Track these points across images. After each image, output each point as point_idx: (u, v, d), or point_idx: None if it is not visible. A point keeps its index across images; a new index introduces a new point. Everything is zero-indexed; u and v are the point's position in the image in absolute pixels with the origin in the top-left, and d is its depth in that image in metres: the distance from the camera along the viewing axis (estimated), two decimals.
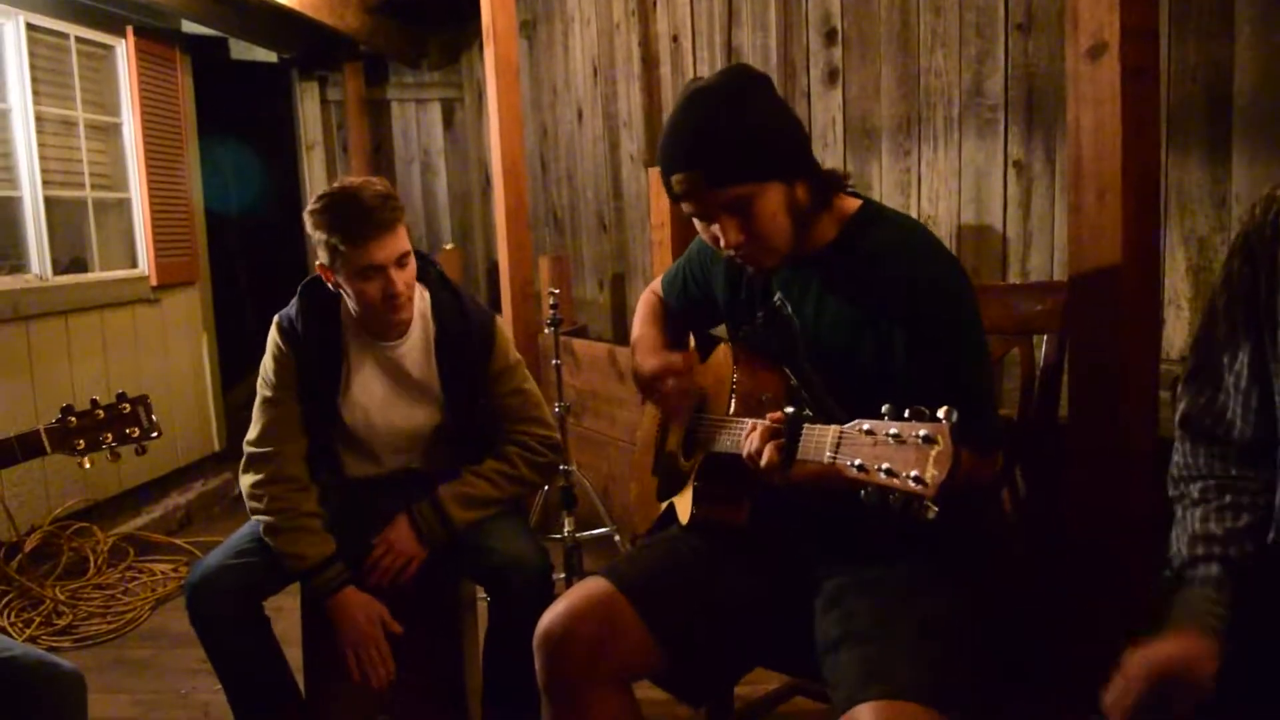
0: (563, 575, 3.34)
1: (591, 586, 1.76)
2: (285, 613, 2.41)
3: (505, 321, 4.18)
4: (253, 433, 2.28)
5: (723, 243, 1.68)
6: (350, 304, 2.22)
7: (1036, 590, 1.97)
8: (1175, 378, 1.93)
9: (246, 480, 2.25)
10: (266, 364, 2.29)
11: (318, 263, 2.20)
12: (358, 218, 2.09)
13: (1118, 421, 1.76)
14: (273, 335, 2.29)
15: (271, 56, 6.58)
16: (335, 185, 2.16)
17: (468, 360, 2.30)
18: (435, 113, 6.83)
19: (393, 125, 6.79)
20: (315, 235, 2.13)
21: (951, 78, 3.11)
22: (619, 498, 3.95)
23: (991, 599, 1.72)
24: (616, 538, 3.62)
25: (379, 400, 2.30)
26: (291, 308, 2.30)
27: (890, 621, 1.56)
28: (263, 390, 2.29)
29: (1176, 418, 1.50)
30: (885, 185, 3.38)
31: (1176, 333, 2.61)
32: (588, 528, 3.63)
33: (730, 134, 1.60)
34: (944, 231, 3.17)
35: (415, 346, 2.31)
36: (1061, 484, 1.93)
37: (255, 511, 2.23)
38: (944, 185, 3.18)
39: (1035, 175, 2.91)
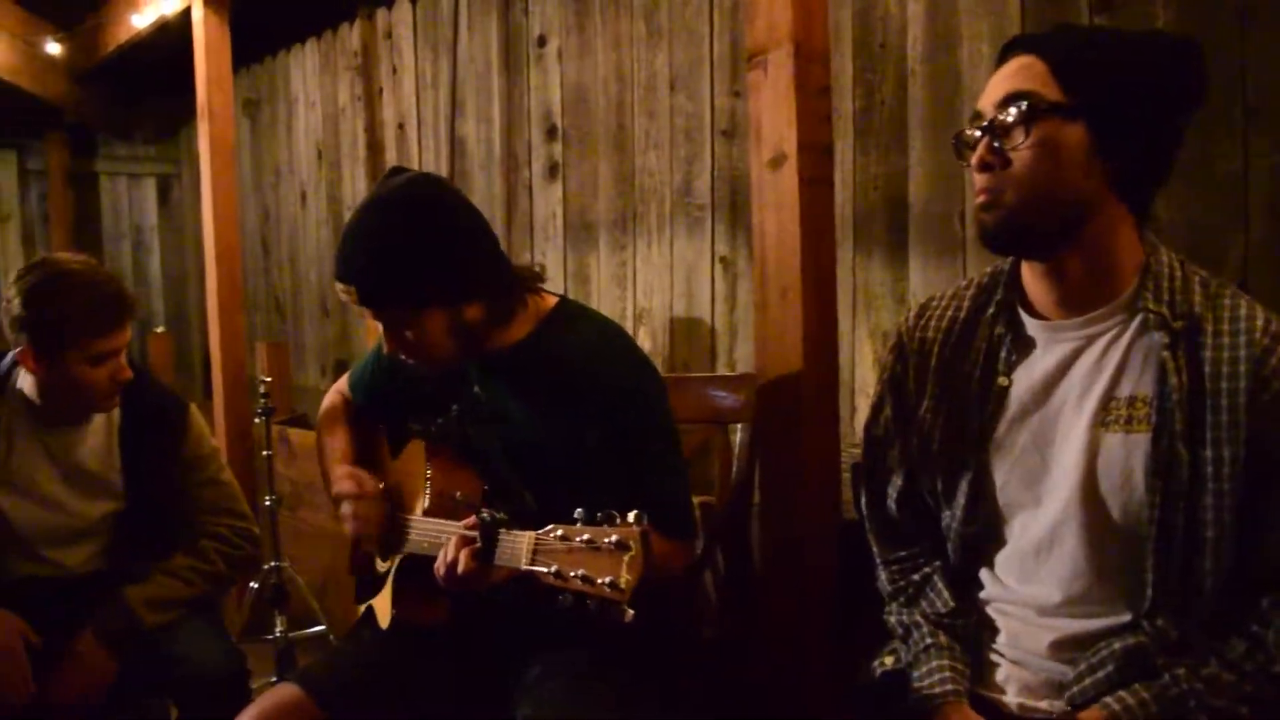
0: (274, 679, 3.16)
1: (282, 694, 1.68)
2: None
3: (217, 410, 3.98)
4: None
5: (384, 349, 1.71)
6: (35, 389, 2.05)
7: (727, 669, 2.04)
8: (855, 463, 2.07)
9: None
10: None
11: (19, 347, 1.99)
12: (106, 305, 1.97)
13: (802, 505, 1.86)
14: None
15: None
16: (59, 264, 1.99)
17: (156, 449, 2.16)
18: (149, 188, 6.50)
19: (102, 200, 6.39)
20: (36, 314, 1.94)
21: (664, 177, 3.27)
22: (335, 594, 3.80)
23: (675, 681, 1.77)
24: (332, 637, 3.47)
25: (47, 494, 2.11)
26: None
27: (582, 707, 1.57)
28: None
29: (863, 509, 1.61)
30: (603, 278, 3.49)
31: (865, 420, 2.81)
32: (301, 626, 3.46)
33: (389, 262, 1.60)
34: (658, 323, 3.30)
35: (95, 434, 2.14)
36: (756, 566, 2.02)
37: None
38: (658, 279, 3.32)
39: (740, 271, 3.08)
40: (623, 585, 1.25)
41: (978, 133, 1.30)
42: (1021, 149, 1.25)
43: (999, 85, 1.29)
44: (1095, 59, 1.25)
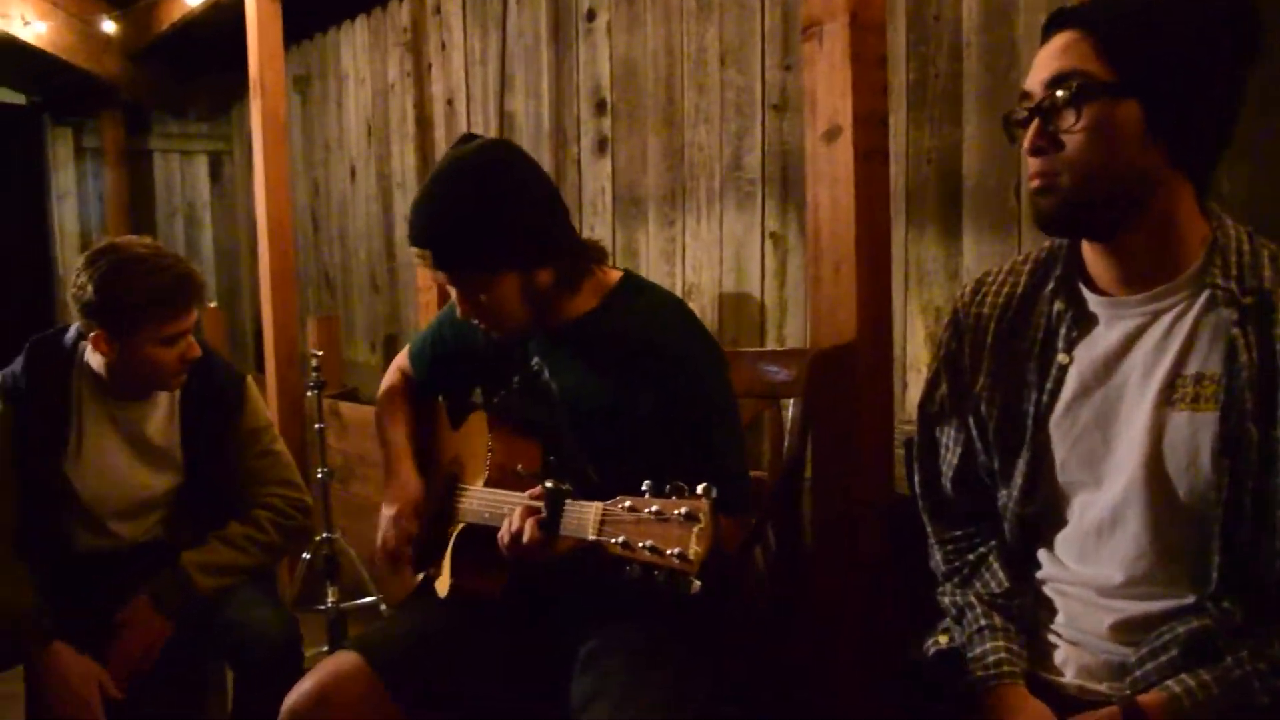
0: (325, 648, 3.21)
1: (341, 661, 1.70)
2: (14, 700, 2.21)
3: (269, 384, 4.02)
4: None
5: (458, 313, 1.73)
6: (103, 365, 2.10)
7: (773, 646, 2.04)
8: (909, 439, 2.06)
9: None
10: None
11: (92, 331, 2.04)
12: (176, 287, 2.02)
13: (854, 481, 1.85)
14: None
15: (17, 98, 6.18)
16: (127, 249, 2.03)
17: (215, 422, 2.20)
18: (202, 165, 6.57)
19: (155, 177, 6.48)
20: (108, 301, 1.99)
21: (713, 151, 3.25)
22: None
23: (725, 654, 1.77)
24: (383, 607, 3.52)
25: (115, 466, 2.16)
26: (17, 364, 2.14)
27: (641, 683, 1.58)
28: None
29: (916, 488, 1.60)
30: (652, 253, 3.48)
31: (917, 396, 2.78)
32: (353, 597, 3.51)
33: (464, 225, 1.62)
34: (706, 299, 3.29)
35: (158, 408, 2.19)
36: (809, 541, 2.01)
37: None
38: (706, 254, 3.30)
39: (790, 246, 3.06)
40: (691, 556, 1.25)
41: (1027, 114, 1.27)
42: (1074, 131, 1.22)
43: (1045, 64, 1.26)
44: (1142, 29, 1.21)
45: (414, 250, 1.67)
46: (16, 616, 1.99)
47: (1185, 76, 1.20)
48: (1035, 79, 1.27)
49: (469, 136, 1.74)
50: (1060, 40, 1.25)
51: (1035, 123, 1.26)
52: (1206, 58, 1.20)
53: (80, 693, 1.97)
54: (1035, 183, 1.28)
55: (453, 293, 1.73)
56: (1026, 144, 1.27)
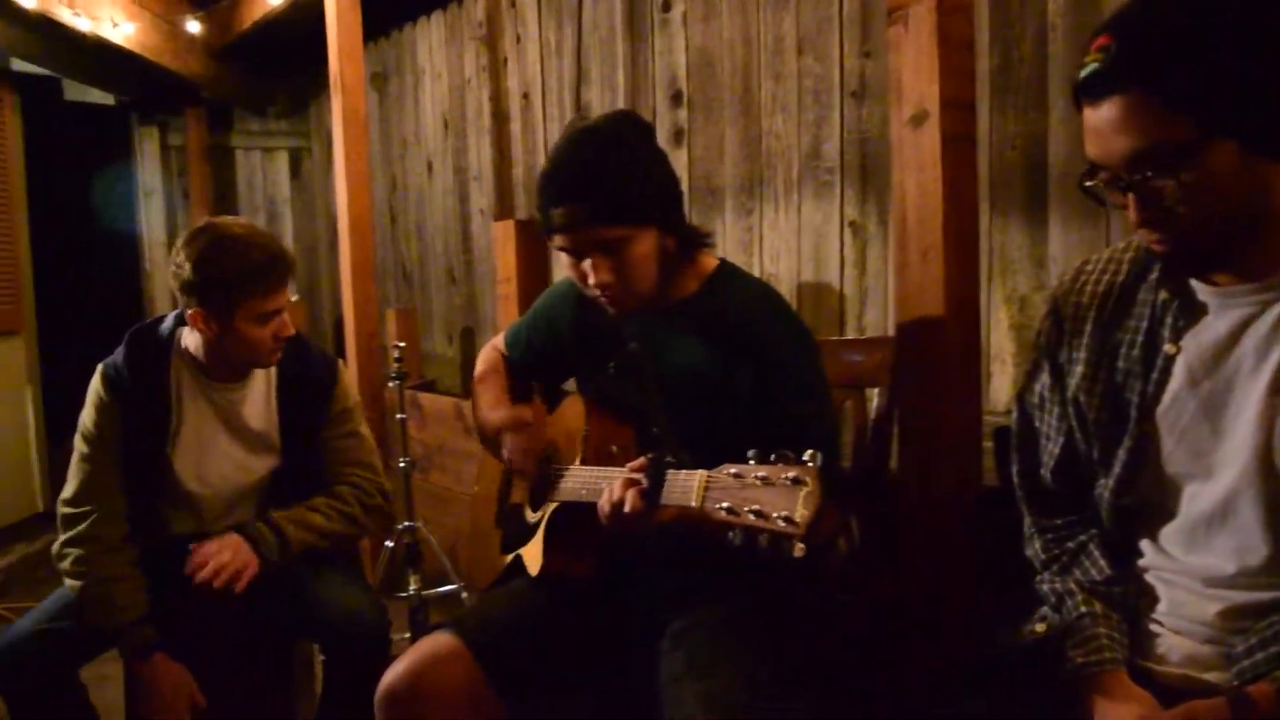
0: (407, 635, 3.26)
1: (438, 643, 1.73)
2: (111, 681, 2.28)
3: (350, 374, 4.10)
4: (67, 491, 2.16)
5: (591, 280, 1.72)
6: (200, 347, 2.16)
7: (859, 634, 2.02)
8: (999, 428, 2.03)
9: (59, 541, 2.14)
10: (86, 416, 2.17)
11: (190, 310, 2.09)
12: (270, 265, 2.07)
13: (941, 472, 1.83)
14: (95, 385, 2.18)
15: (108, 98, 6.35)
16: (224, 229, 2.09)
17: (310, 403, 2.25)
18: (282, 162, 6.69)
19: (237, 173, 6.62)
20: (206, 278, 2.04)
21: (791, 141, 3.23)
22: (466, 553, 3.90)
23: (792, 637, 1.77)
24: (464, 595, 3.56)
25: (212, 451, 2.21)
26: (118, 355, 2.19)
27: (730, 658, 1.59)
28: (81, 446, 2.17)
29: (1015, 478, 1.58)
30: (729, 243, 3.47)
31: (1001, 386, 2.74)
32: (434, 585, 3.56)
33: (618, 173, 1.66)
34: (785, 289, 3.27)
35: (255, 391, 2.24)
36: (893, 532, 1.99)
37: (65, 574, 2.12)
38: (784, 244, 3.29)
39: (870, 235, 3.03)
40: (798, 519, 1.23)
41: (1106, 185, 1.22)
42: (1179, 201, 1.16)
43: (1113, 138, 1.17)
44: (1205, 67, 1.12)
45: (556, 213, 1.68)
46: (126, 624, 2.07)
47: (1262, 87, 1.13)
48: (1108, 154, 1.19)
49: (584, 116, 1.79)
50: (1119, 107, 1.16)
51: (1133, 200, 1.20)
52: (1272, 53, 1.13)
53: (171, 703, 2.05)
54: (1157, 248, 1.24)
55: (572, 267, 1.74)
56: (1133, 220, 1.21)
